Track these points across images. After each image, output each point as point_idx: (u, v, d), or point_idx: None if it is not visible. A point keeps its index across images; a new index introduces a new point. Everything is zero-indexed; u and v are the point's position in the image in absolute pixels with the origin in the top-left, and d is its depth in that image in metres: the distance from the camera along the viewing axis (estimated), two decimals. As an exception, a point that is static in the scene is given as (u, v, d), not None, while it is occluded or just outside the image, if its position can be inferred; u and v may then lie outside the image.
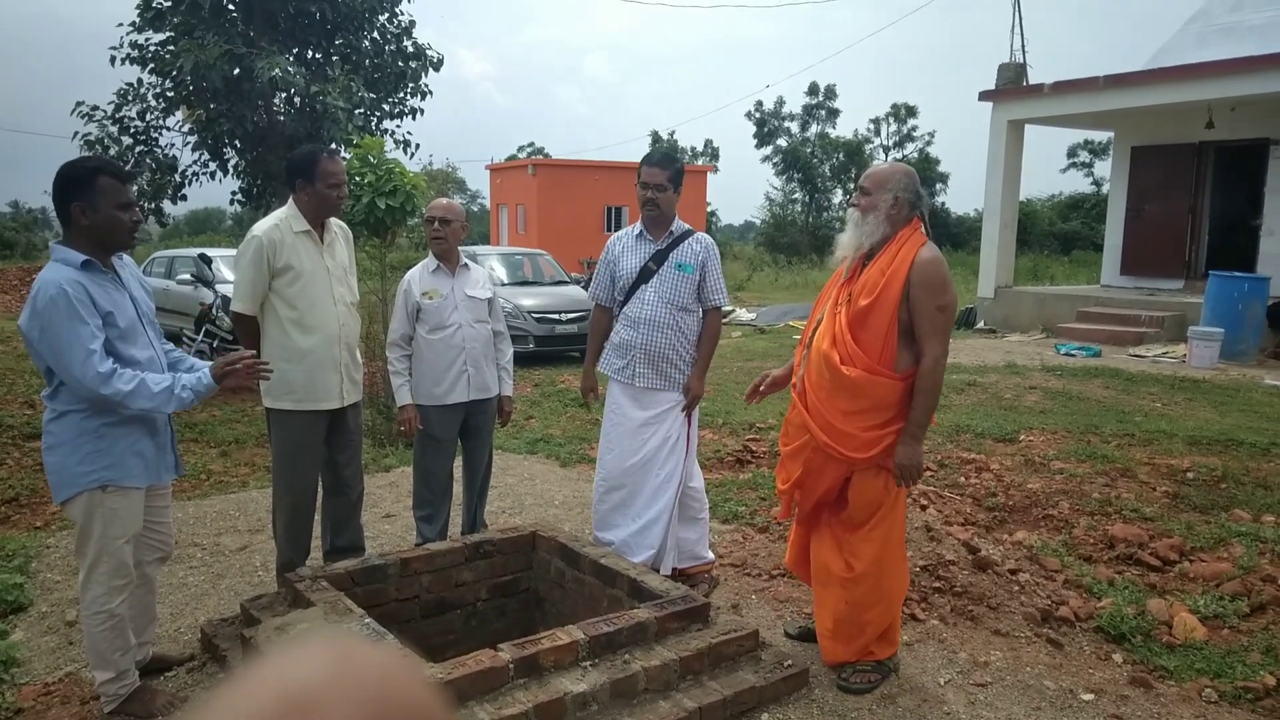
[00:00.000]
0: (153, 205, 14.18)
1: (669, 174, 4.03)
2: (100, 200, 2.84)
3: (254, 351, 3.02)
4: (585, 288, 14.46)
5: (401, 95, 15.39)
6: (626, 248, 4.17)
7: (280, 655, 0.47)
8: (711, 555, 4.31)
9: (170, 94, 14.13)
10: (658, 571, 3.82)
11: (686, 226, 4.18)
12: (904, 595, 3.49)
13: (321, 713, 0.43)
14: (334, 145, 12.07)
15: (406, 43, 15.22)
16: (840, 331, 3.10)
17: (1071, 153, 41.76)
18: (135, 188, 3.10)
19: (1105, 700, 3.24)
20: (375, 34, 15.05)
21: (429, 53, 15.35)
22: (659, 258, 4.08)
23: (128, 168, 13.01)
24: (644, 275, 4.08)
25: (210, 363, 3.02)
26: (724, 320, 15.66)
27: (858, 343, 3.07)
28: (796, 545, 3.56)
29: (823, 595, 3.35)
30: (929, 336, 3.02)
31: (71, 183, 2.84)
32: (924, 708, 3.17)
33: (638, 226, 4.18)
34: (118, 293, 2.93)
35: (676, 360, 4.06)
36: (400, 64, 15.09)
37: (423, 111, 15.54)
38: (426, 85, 15.40)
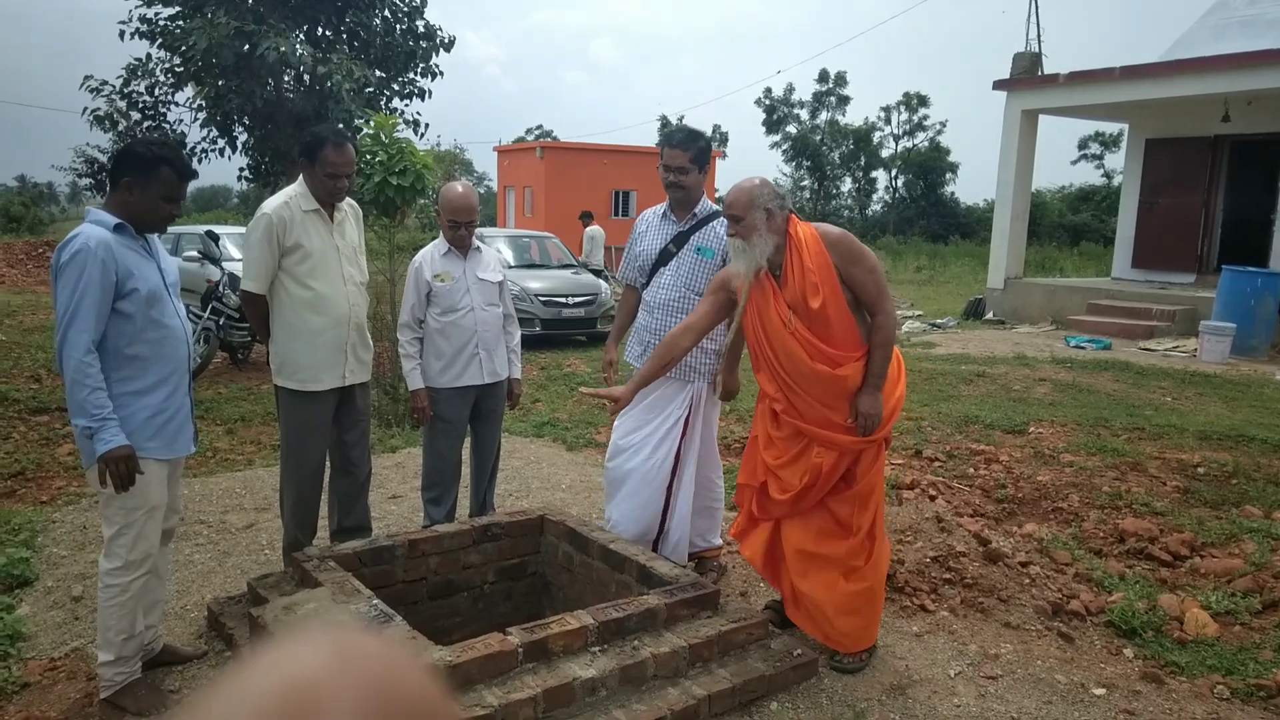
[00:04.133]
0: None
1: (690, 154, 3.87)
2: (152, 187, 2.87)
3: (131, 480, 2.82)
4: (583, 259, 14.48)
5: (411, 76, 15.34)
6: (650, 227, 4.06)
7: (281, 647, 0.47)
8: (720, 541, 4.28)
9: (179, 70, 14.08)
10: (657, 552, 3.79)
11: (714, 208, 3.98)
12: (888, 562, 3.57)
13: (324, 704, 0.43)
14: (339, 125, 12.01)
15: (418, 22, 15.14)
16: (813, 346, 3.20)
17: (1082, 144, 41.51)
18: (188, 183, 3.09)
19: (1117, 695, 3.22)
20: (386, 12, 14.97)
21: (440, 34, 15.28)
22: (680, 240, 3.96)
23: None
24: (663, 258, 3.97)
25: (120, 444, 2.79)
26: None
27: (830, 342, 3.19)
28: (769, 545, 3.48)
29: (824, 582, 3.30)
30: (874, 297, 3.22)
31: (133, 159, 2.88)
32: (934, 699, 3.15)
33: (664, 206, 4.06)
34: (144, 260, 2.93)
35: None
36: (410, 43, 15.02)
37: (432, 93, 15.48)
38: (437, 66, 15.33)
